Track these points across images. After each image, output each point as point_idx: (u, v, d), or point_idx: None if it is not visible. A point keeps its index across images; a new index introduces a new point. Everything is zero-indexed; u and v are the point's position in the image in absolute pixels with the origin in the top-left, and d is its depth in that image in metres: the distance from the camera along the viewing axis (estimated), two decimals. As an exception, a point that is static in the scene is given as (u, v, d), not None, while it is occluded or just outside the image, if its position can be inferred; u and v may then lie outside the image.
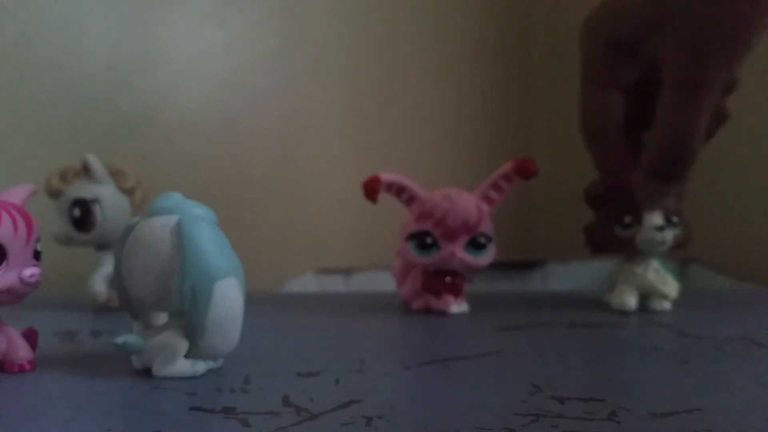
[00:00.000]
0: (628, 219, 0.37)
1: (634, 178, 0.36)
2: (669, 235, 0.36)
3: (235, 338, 0.23)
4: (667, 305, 0.38)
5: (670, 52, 0.32)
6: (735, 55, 0.32)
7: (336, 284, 0.64)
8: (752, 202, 0.72)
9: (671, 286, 0.38)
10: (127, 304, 0.24)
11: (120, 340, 0.22)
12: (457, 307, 0.38)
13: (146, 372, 0.23)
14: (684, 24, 0.32)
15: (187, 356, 0.23)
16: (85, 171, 0.37)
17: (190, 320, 0.22)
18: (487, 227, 0.37)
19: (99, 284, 0.38)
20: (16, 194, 0.24)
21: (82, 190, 0.38)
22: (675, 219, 0.37)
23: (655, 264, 0.38)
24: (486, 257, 0.37)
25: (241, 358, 0.25)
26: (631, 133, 0.37)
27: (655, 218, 0.36)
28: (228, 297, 0.22)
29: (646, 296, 0.38)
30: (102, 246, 0.39)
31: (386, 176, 0.37)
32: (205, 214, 0.23)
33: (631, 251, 0.38)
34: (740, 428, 0.18)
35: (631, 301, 0.38)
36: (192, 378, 0.23)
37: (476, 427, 0.17)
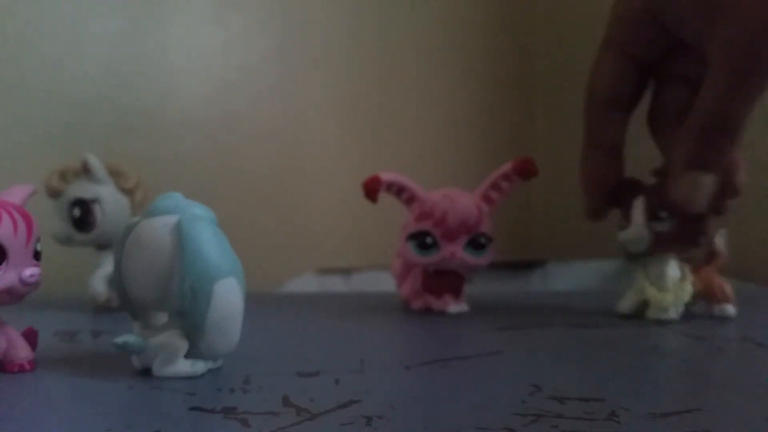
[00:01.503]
0: (663, 214, 0.34)
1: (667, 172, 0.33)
2: (645, 233, 0.34)
3: (235, 338, 0.23)
4: (671, 313, 0.35)
5: (722, 40, 0.29)
6: None
7: (336, 284, 0.64)
8: (752, 202, 0.72)
9: (671, 295, 0.35)
10: (127, 304, 0.24)
11: (120, 340, 0.22)
12: (457, 307, 0.38)
13: (146, 372, 0.23)
14: (744, 16, 0.28)
15: (187, 356, 0.23)
16: (85, 171, 0.37)
17: (190, 320, 0.22)
18: (487, 227, 0.37)
19: (99, 284, 0.38)
20: (16, 194, 0.24)
21: (82, 190, 0.38)
22: (663, 214, 0.34)
23: (657, 270, 0.35)
24: (486, 257, 0.37)
25: (241, 358, 0.25)
26: (631, 111, 0.35)
27: (637, 214, 0.34)
28: (228, 297, 0.22)
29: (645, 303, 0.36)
30: (102, 246, 0.39)
31: (386, 176, 0.37)
32: (205, 214, 0.23)
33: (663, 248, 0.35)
34: (740, 428, 0.18)
35: (625, 305, 0.36)
36: (192, 378, 0.23)
37: (476, 427, 0.17)
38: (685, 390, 0.21)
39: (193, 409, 0.19)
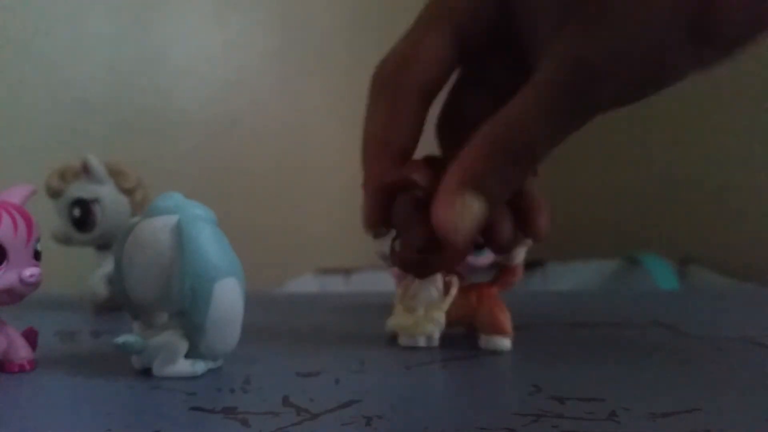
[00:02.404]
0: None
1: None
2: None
3: (235, 338, 0.23)
4: (419, 341, 0.28)
5: (563, 52, 0.23)
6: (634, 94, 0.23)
7: (336, 284, 0.64)
8: (752, 202, 0.72)
9: (421, 320, 0.28)
10: (127, 304, 0.24)
11: (120, 340, 0.22)
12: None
13: (146, 372, 0.23)
14: (598, 34, 0.22)
15: (187, 356, 0.23)
16: (85, 171, 0.37)
17: (190, 320, 0.22)
18: (486, 227, 0.36)
19: (99, 284, 0.38)
20: (16, 194, 0.24)
21: (82, 190, 0.38)
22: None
23: (412, 289, 0.28)
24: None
25: (241, 358, 0.25)
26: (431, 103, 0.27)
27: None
28: (228, 297, 0.22)
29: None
30: (102, 246, 0.39)
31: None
32: (205, 214, 0.23)
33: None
34: (740, 428, 0.18)
35: (389, 325, 0.29)
36: (192, 378, 0.23)
37: (476, 427, 0.17)
38: (685, 390, 0.21)
39: (193, 409, 0.19)
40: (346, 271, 0.66)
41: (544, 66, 0.23)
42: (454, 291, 0.28)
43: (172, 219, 0.22)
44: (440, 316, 0.28)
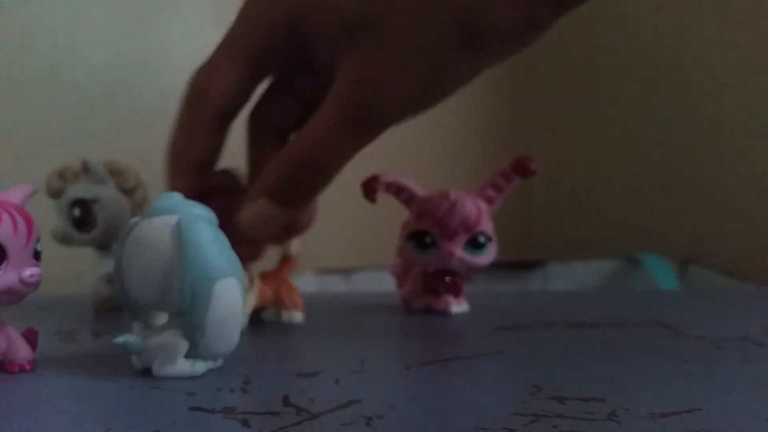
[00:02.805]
0: None
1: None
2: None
3: (235, 338, 0.23)
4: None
5: (348, 75, 0.25)
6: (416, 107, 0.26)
7: (336, 284, 0.64)
8: (752, 202, 0.72)
9: None
10: (127, 304, 0.24)
11: (120, 340, 0.22)
12: (457, 307, 0.38)
13: (146, 372, 0.23)
14: (376, 59, 0.25)
15: (187, 356, 0.23)
16: (85, 171, 0.37)
17: (190, 320, 0.22)
18: (486, 226, 0.37)
19: (99, 284, 0.38)
20: (16, 194, 0.24)
21: (82, 190, 0.38)
22: None
23: None
24: (486, 256, 0.37)
25: (241, 358, 0.25)
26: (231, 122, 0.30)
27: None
28: (228, 297, 0.22)
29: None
30: (102, 246, 0.39)
31: (385, 176, 0.37)
32: (205, 214, 0.23)
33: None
34: (740, 428, 0.18)
35: None
36: (192, 378, 0.23)
37: (476, 427, 0.17)
38: (685, 390, 0.21)
39: (193, 409, 0.19)
40: (346, 271, 0.66)
41: (334, 89, 0.26)
42: (257, 282, 0.33)
43: (172, 219, 0.22)
44: (253, 301, 0.32)
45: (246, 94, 0.30)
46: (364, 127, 0.26)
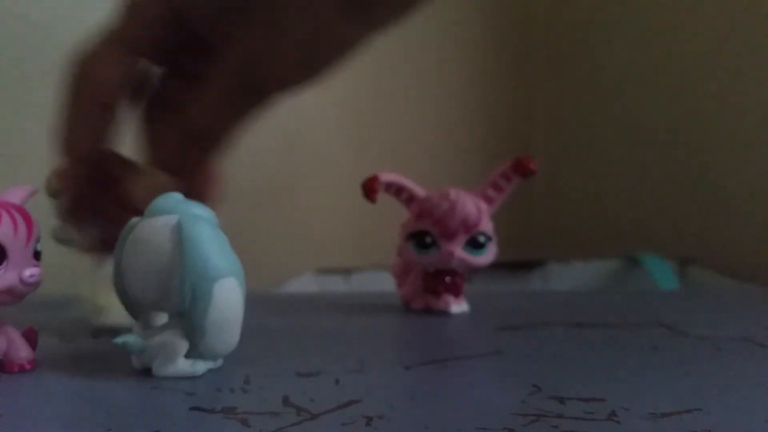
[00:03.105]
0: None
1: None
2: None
3: (235, 338, 0.23)
4: (122, 318, 0.28)
5: (232, 55, 0.27)
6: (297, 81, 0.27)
7: (336, 284, 0.64)
8: (752, 202, 0.72)
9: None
10: (127, 304, 0.24)
11: (120, 340, 0.22)
12: (457, 307, 0.38)
13: (146, 372, 0.23)
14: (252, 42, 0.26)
15: (187, 356, 0.23)
16: (85, 171, 0.37)
17: (190, 320, 0.22)
18: (486, 226, 0.37)
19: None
20: (16, 194, 0.24)
21: (82, 190, 0.38)
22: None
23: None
24: (486, 256, 0.37)
25: (241, 358, 0.25)
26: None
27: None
28: (228, 297, 0.22)
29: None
30: (102, 246, 0.39)
31: (385, 176, 0.37)
32: (205, 214, 0.23)
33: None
34: (740, 428, 0.18)
35: (95, 316, 0.32)
36: (192, 378, 0.23)
37: (476, 427, 0.17)
38: (685, 390, 0.21)
39: (193, 409, 0.19)
40: (346, 271, 0.66)
41: (223, 62, 0.27)
42: None
43: (172, 219, 0.22)
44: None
45: (131, 82, 0.30)
46: (254, 95, 0.27)
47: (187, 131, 0.28)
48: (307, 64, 0.27)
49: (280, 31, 0.26)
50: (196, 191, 0.29)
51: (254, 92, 0.27)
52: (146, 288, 0.22)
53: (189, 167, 0.28)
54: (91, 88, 0.29)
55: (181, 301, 0.22)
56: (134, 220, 0.24)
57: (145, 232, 0.22)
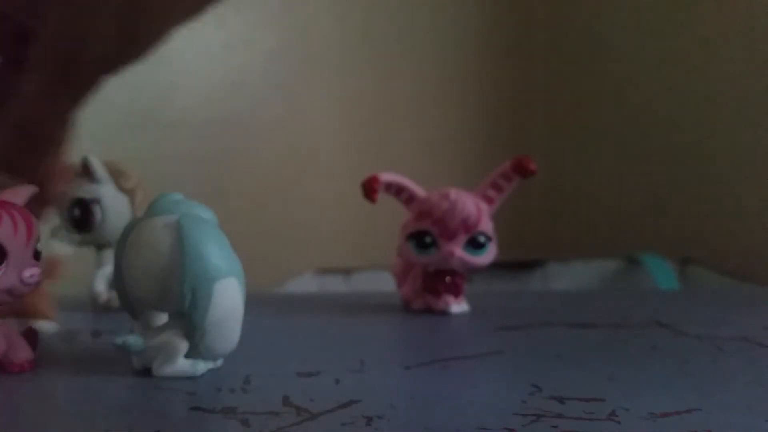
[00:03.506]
0: None
1: None
2: None
3: (235, 338, 0.23)
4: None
5: (44, 38, 0.26)
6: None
7: (336, 284, 0.64)
8: (752, 202, 0.72)
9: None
10: (127, 304, 0.24)
11: (120, 340, 0.22)
12: (457, 307, 0.38)
13: (146, 372, 0.23)
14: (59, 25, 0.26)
15: (187, 356, 0.23)
16: (85, 171, 0.37)
17: (190, 320, 0.22)
18: (486, 226, 0.37)
19: (99, 284, 0.38)
20: (16, 194, 0.24)
21: (82, 190, 0.38)
22: None
23: None
24: (486, 256, 0.37)
25: (241, 358, 0.25)
26: None
27: None
28: (228, 297, 0.22)
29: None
30: (102, 246, 0.39)
31: (385, 176, 0.37)
32: (205, 214, 0.23)
33: None
34: (740, 428, 0.18)
35: None
36: (192, 378, 0.23)
37: (476, 427, 0.17)
38: (685, 390, 0.21)
39: (193, 409, 0.19)
40: (346, 271, 0.66)
41: (37, 51, 0.26)
42: None
43: (172, 219, 0.22)
44: None
45: None
46: (75, 76, 0.26)
47: (12, 124, 0.27)
48: (127, 37, 0.26)
49: (88, 10, 0.25)
50: (40, 189, 0.28)
51: (75, 73, 0.26)
52: (146, 288, 0.22)
53: (27, 163, 0.27)
54: None
55: (181, 302, 0.22)
56: (134, 219, 0.24)
57: (145, 232, 0.22)
